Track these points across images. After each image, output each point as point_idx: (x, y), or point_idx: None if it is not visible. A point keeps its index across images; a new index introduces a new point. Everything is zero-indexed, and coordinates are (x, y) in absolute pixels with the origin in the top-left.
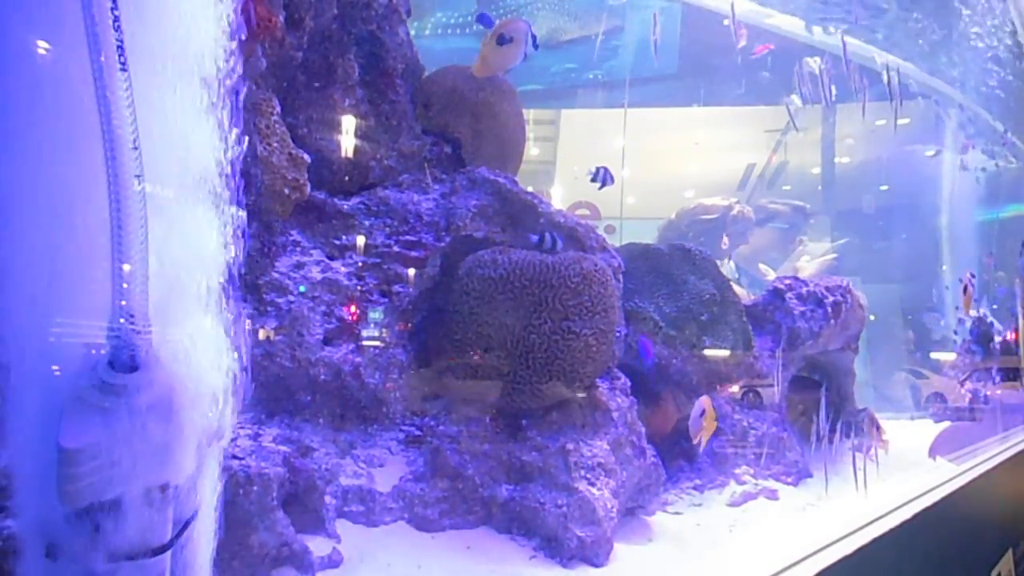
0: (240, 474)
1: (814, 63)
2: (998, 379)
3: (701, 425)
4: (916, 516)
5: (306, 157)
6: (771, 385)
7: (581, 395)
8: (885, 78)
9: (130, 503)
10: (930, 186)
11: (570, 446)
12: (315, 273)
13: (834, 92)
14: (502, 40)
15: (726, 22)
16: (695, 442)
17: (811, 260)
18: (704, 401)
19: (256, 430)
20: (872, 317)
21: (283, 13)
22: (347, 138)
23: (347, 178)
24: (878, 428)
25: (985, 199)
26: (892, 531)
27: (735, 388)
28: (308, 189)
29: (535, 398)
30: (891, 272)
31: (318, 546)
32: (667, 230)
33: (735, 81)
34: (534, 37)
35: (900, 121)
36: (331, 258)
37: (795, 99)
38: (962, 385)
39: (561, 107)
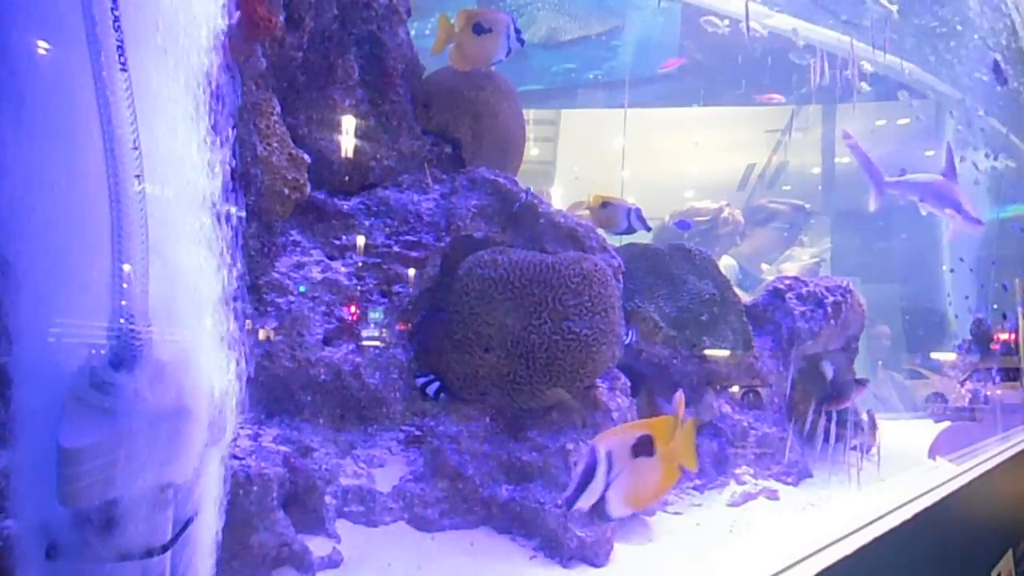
0: (240, 474)
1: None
2: (998, 379)
3: None
4: (916, 516)
5: (306, 157)
6: (771, 385)
7: (580, 396)
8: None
9: (130, 503)
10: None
11: (570, 446)
12: (315, 273)
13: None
14: (479, 29)
15: (727, 22)
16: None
17: (793, 263)
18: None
19: (256, 430)
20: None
21: (283, 13)
22: (347, 138)
23: (347, 178)
24: (874, 426)
25: (985, 199)
26: (892, 531)
27: (735, 388)
28: (308, 189)
29: (535, 398)
30: (891, 272)
31: (318, 546)
32: (661, 233)
33: (735, 81)
34: (518, 31)
35: (900, 121)
36: (331, 258)
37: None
38: (962, 385)
39: (561, 107)
